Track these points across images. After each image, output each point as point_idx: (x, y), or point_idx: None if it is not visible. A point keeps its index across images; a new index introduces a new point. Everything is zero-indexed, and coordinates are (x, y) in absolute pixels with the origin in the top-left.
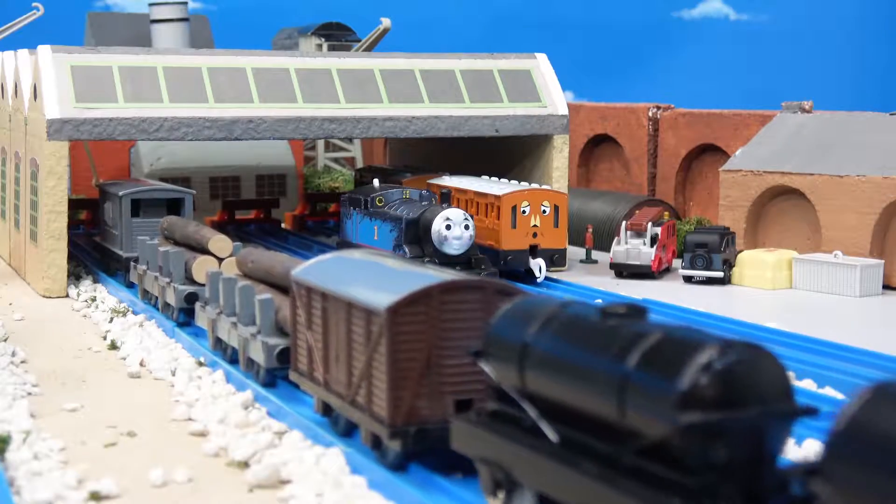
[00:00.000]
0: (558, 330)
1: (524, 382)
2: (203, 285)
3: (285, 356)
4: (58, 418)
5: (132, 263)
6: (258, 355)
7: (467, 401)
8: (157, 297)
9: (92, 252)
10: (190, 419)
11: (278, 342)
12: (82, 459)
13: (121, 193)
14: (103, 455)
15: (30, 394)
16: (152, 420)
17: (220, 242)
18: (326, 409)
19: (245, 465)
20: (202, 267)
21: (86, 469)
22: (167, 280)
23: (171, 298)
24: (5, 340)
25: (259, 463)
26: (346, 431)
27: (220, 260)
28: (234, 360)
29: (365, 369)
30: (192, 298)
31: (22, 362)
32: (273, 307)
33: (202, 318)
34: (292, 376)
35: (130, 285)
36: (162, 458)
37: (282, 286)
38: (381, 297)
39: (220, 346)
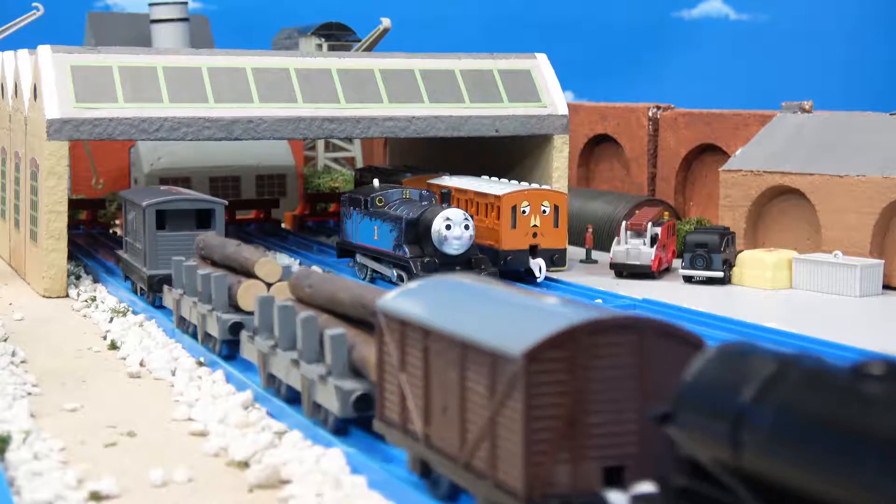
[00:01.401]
0: (790, 396)
1: (739, 461)
2: (250, 314)
3: (365, 403)
4: (58, 418)
5: (166, 287)
6: (329, 401)
7: (618, 469)
8: (194, 326)
9: (115, 268)
10: (190, 419)
11: (355, 387)
12: (82, 459)
13: (144, 203)
14: (103, 455)
15: (30, 394)
16: (152, 420)
17: (268, 266)
18: (424, 469)
19: (245, 465)
20: (248, 293)
21: (86, 469)
22: (208, 308)
23: (214, 328)
24: (5, 340)
25: (259, 463)
26: (450, 495)
27: (269, 285)
28: (291, 400)
29: (487, 427)
30: (237, 329)
31: (22, 362)
32: (346, 343)
33: (249, 350)
34: (377, 426)
35: (156, 304)
36: (162, 458)
37: (350, 316)
38: (512, 339)
39: (273, 383)
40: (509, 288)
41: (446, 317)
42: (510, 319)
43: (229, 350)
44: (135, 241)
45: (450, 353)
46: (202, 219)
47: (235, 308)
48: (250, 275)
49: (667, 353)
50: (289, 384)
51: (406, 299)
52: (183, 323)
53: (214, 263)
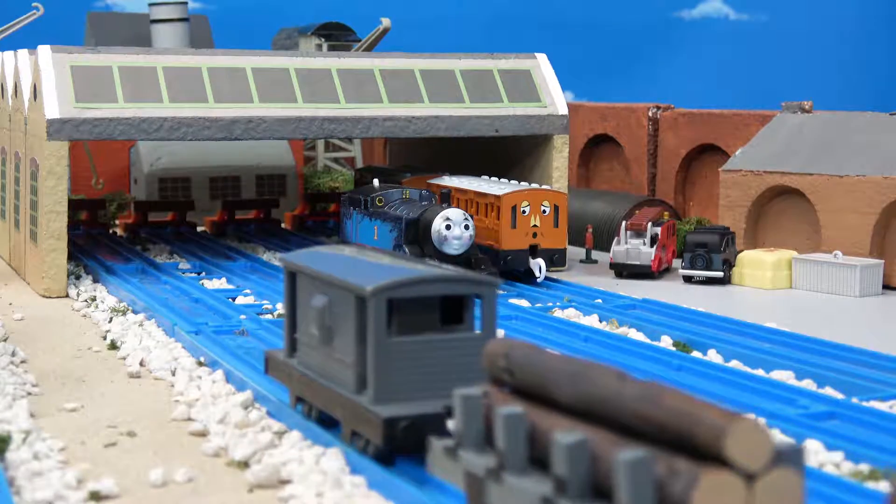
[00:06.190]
0: None
1: None
2: None
3: None
4: (58, 418)
5: (437, 445)
6: None
7: None
8: None
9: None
10: (190, 419)
11: None
12: (82, 459)
13: (369, 288)
14: (103, 455)
15: (30, 394)
16: (152, 420)
17: (749, 437)
18: None
19: (245, 465)
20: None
21: (86, 469)
22: None
23: None
24: (5, 340)
25: (259, 463)
26: None
27: (750, 477)
28: None
29: None
30: None
31: (22, 362)
32: None
33: None
34: None
35: (375, 455)
36: (162, 458)
37: None
38: None
39: None
40: None
41: None
42: None
43: None
44: (327, 344)
45: None
46: (448, 309)
47: None
48: (693, 448)
49: None
50: None
51: None
52: None
53: (534, 399)
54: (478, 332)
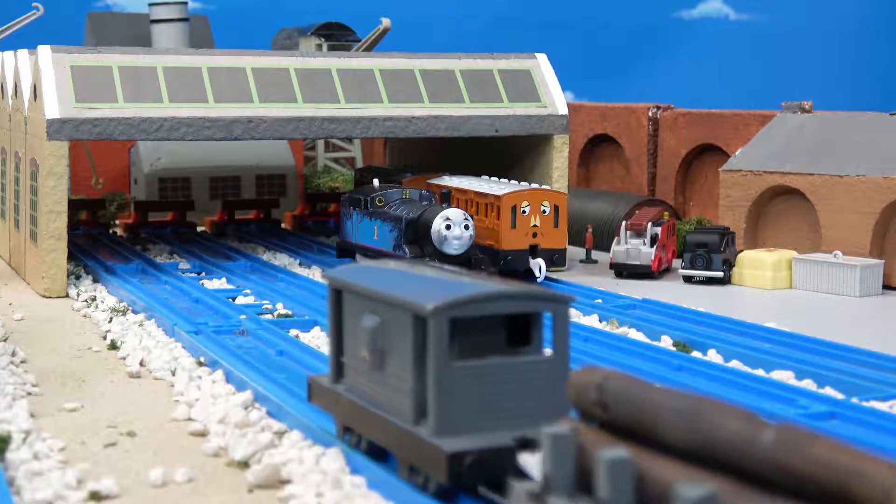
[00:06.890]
0: None
1: None
2: None
3: None
4: (58, 418)
5: (520, 489)
6: None
7: None
8: None
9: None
10: (190, 419)
11: None
12: (82, 459)
13: (430, 306)
14: (103, 455)
15: (30, 394)
16: (152, 420)
17: None
18: None
19: (245, 465)
20: None
21: (86, 469)
22: None
23: None
24: (5, 340)
25: (259, 463)
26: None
27: None
28: None
29: None
30: None
31: (22, 362)
32: None
33: None
34: None
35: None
36: (162, 458)
37: None
38: None
39: None
40: None
41: None
42: None
43: None
44: (380, 369)
45: None
46: (515, 329)
47: None
48: None
49: None
50: None
51: None
52: None
53: (631, 437)
54: (548, 354)
